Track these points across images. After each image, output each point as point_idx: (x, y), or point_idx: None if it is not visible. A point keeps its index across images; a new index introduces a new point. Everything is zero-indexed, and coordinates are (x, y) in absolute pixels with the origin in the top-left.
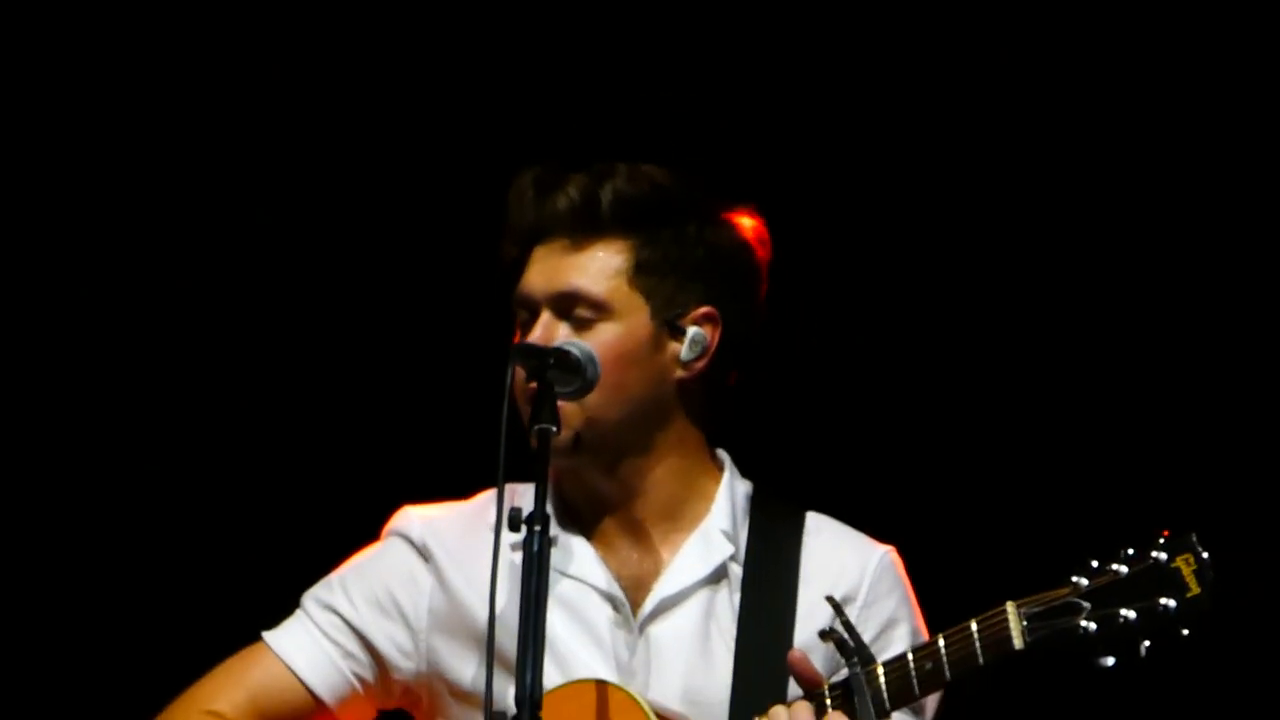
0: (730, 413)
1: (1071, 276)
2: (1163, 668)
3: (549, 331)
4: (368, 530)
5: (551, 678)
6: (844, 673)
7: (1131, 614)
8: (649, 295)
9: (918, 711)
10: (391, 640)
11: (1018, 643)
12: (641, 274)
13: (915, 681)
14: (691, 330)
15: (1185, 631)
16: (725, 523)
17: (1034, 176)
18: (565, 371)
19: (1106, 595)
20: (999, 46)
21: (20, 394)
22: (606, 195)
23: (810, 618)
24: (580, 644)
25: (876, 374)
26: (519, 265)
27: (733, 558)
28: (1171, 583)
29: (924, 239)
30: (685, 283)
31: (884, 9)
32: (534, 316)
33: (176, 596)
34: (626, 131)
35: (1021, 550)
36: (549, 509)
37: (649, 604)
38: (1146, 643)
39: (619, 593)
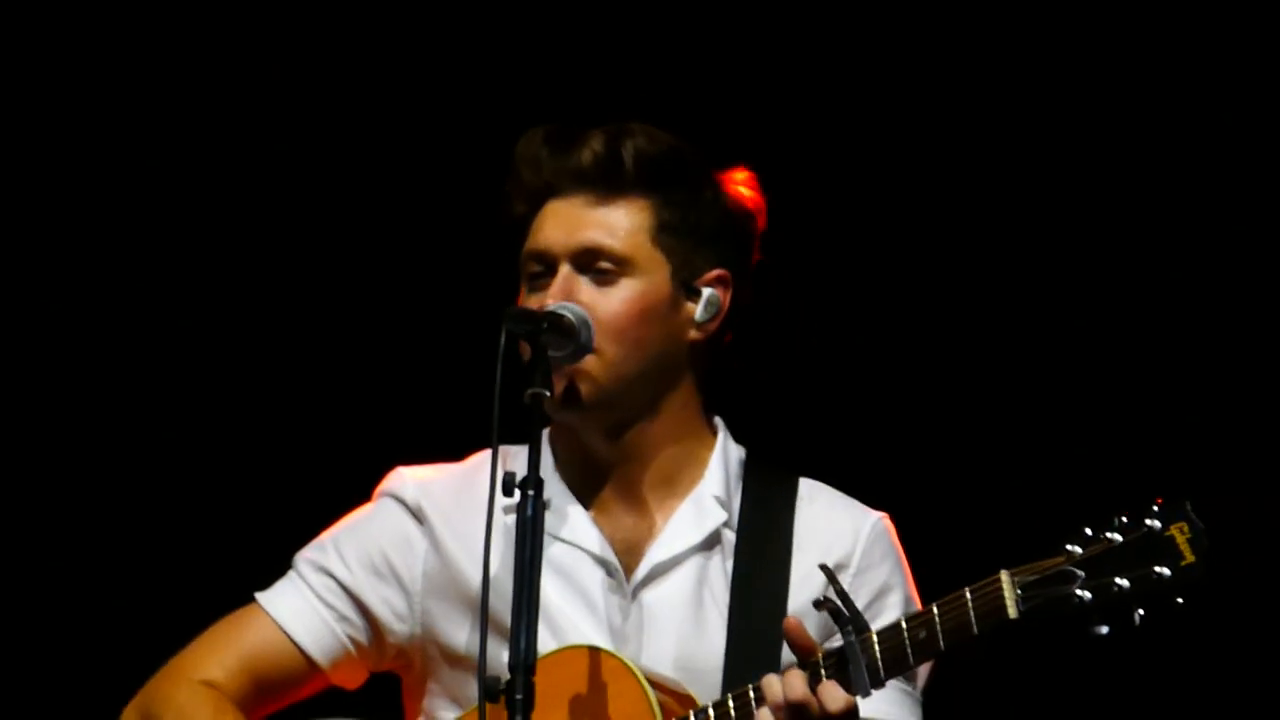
0: (727, 377)
1: (1063, 245)
2: (1157, 636)
3: (568, 284)
4: (359, 490)
5: (544, 641)
6: (837, 640)
7: (1126, 582)
8: (669, 255)
9: (910, 679)
10: (386, 603)
11: (1012, 611)
12: (663, 233)
13: (909, 650)
14: (707, 292)
15: (1179, 600)
16: (719, 489)
17: (1021, 153)
18: (559, 335)
19: (1101, 564)
20: (1002, 30)
21: (9, 366)
22: (629, 152)
23: (804, 585)
24: (573, 608)
25: (869, 340)
26: (526, 222)
27: (726, 524)
28: (1166, 551)
29: (916, 208)
30: (700, 245)
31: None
32: (548, 271)
33: (167, 557)
34: (613, 104)
35: (1015, 518)
36: (543, 473)
37: (642, 569)
38: (1141, 611)
39: (612, 557)
